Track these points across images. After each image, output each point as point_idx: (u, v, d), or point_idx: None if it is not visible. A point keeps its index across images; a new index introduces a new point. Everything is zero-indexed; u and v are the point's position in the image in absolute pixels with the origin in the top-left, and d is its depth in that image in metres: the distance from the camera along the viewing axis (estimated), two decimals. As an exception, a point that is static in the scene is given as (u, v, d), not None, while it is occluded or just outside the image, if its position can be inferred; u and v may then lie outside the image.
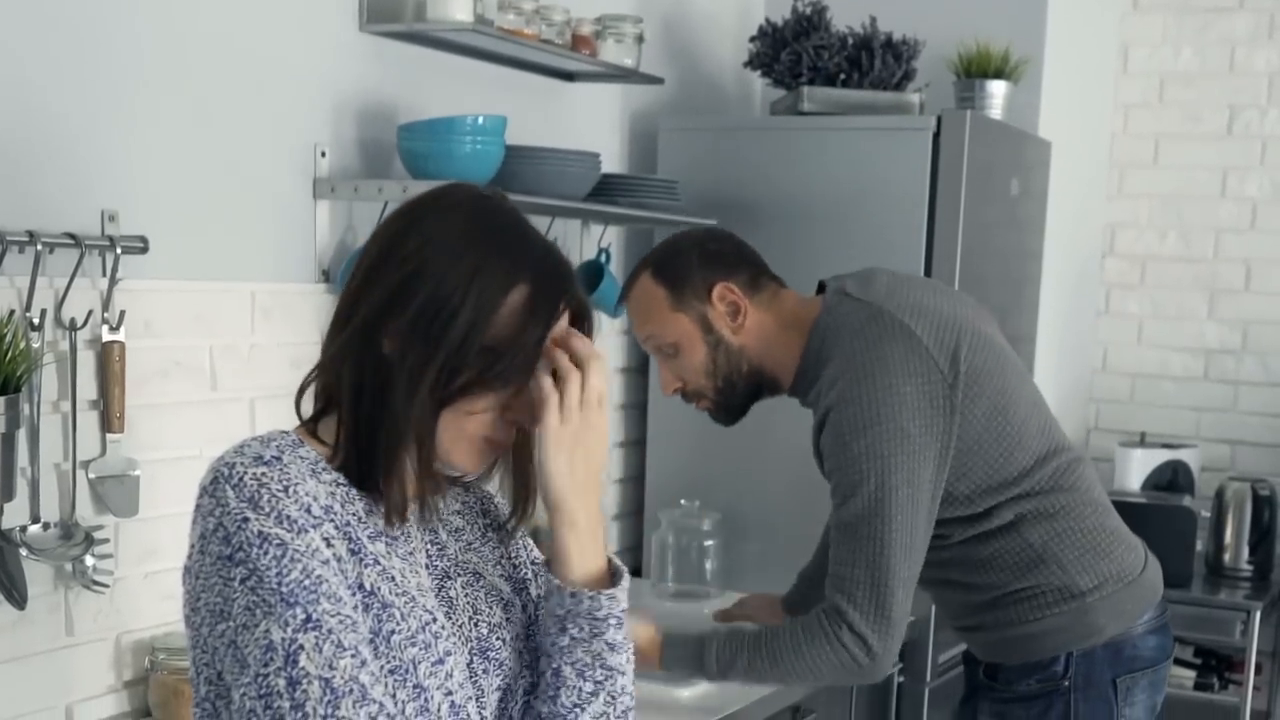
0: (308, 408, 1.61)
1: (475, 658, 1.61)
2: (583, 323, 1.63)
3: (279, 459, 1.50)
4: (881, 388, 2.41)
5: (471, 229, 1.56)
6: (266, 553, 1.44)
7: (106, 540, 2.34)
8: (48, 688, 2.32)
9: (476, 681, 1.60)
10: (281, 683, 1.41)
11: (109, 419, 2.34)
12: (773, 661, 2.49)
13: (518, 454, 1.66)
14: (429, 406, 1.52)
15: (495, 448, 1.60)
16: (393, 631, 1.51)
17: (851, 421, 2.42)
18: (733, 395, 2.62)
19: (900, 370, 2.42)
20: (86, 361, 2.32)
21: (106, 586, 2.33)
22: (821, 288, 2.64)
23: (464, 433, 1.56)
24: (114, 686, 2.43)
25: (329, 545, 1.49)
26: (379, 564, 1.54)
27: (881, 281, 2.58)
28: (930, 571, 2.54)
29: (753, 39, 3.68)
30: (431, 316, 1.51)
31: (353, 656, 1.44)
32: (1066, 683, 2.55)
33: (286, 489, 1.47)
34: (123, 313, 2.33)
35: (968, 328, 2.52)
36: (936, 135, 3.32)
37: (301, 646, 1.41)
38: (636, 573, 3.75)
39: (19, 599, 2.19)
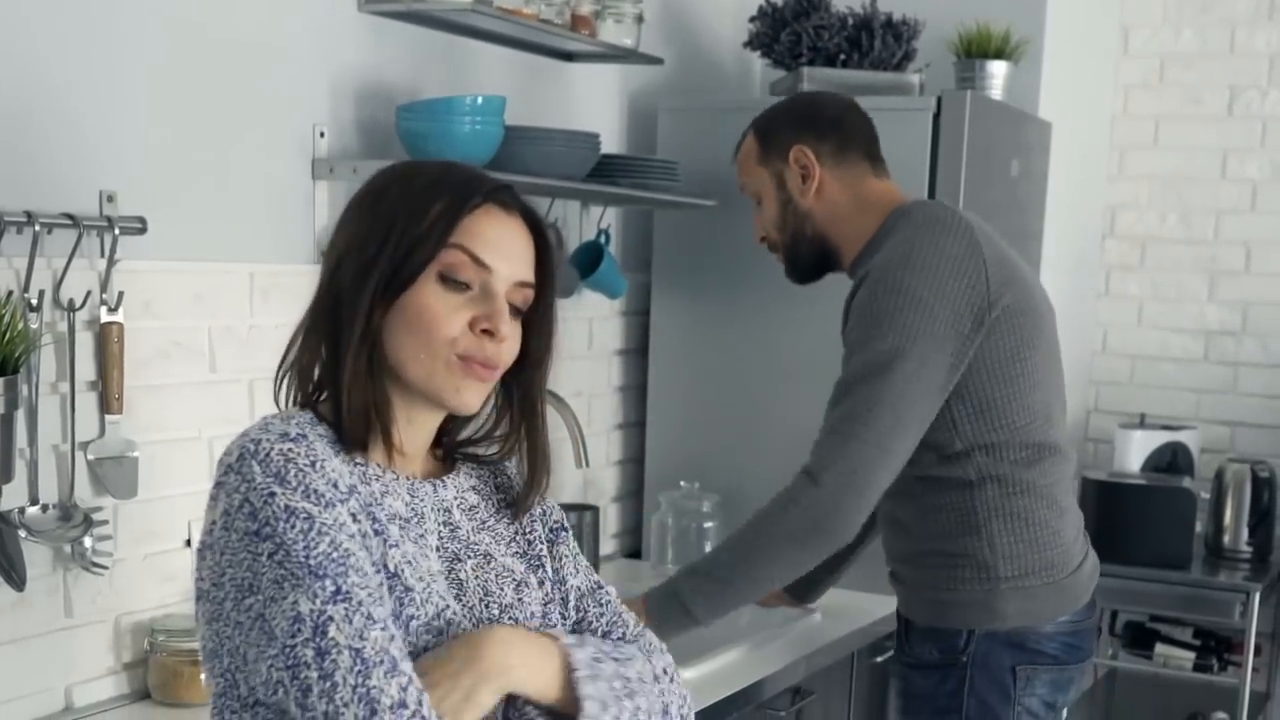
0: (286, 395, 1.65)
1: None
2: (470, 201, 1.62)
3: (304, 436, 1.51)
4: (928, 267, 2.50)
5: (395, 184, 1.61)
6: (294, 526, 1.44)
7: (105, 522, 2.33)
8: (47, 669, 2.32)
9: None
10: (309, 653, 1.41)
11: (108, 400, 2.33)
12: (735, 550, 2.56)
13: (530, 431, 1.68)
14: (377, 307, 1.55)
15: (475, 368, 1.59)
16: (411, 617, 1.52)
17: (888, 283, 2.50)
18: (798, 255, 2.76)
19: (952, 265, 2.51)
20: (85, 342, 2.31)
21: (105, 568, 2.33)
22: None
23: (436, 354, 1.57)
24: (113, 668, 2.43)
25: (355, 521, 1.49)
26: (399, 547, 1.54)
27: (977, 218, 2.66)
28: (886, 504, 2.62)
29: (752, 19, 3.67)
30: (366, 242, 1.56)
31: (382, 629, 1.44)
32: (964, 658, 2.59)
33: (314, 464, 1.48)
34: (121, 293, 2.33)
35: (1026, 286, 2.60)
36: (937, 116, 3.31)
37: (331, 618, 1.42)
38: (636, 554, 3.76)
39: (18, 581, 2.19)
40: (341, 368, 1.56)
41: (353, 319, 1.55)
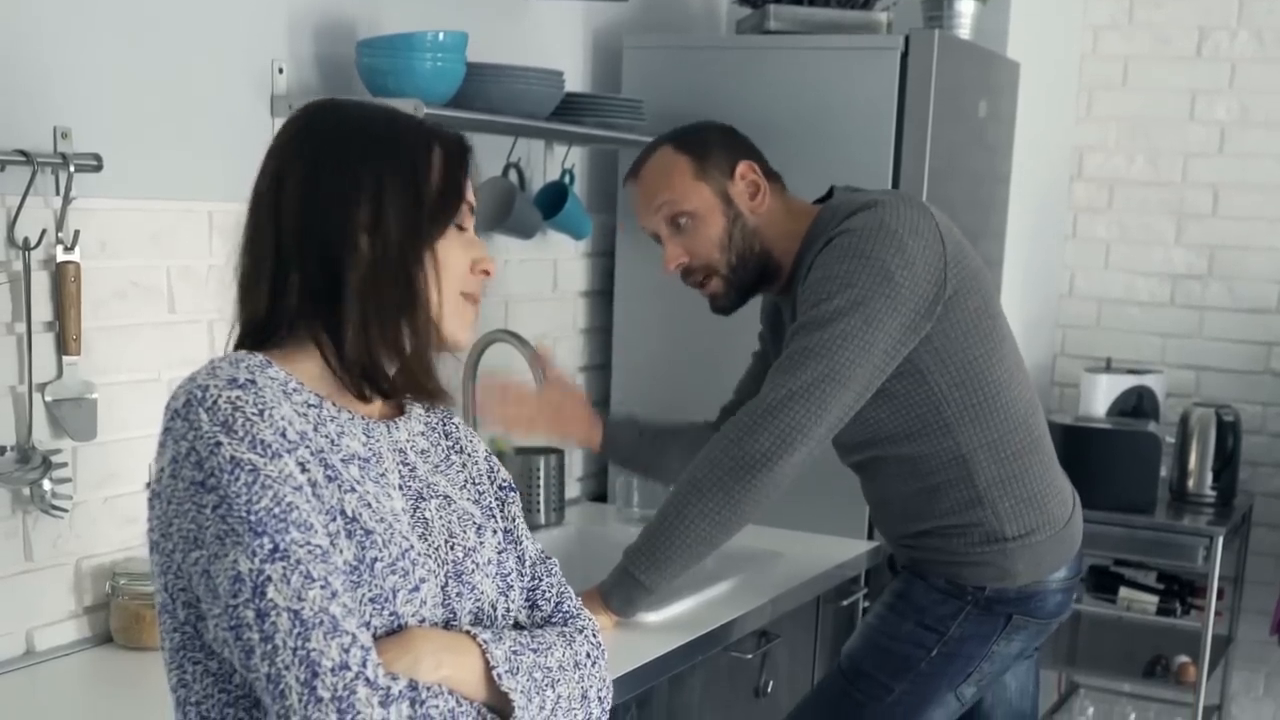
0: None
1: (450, 581, 1.61)
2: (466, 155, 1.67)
3: (253, 381, 1.48)
4: (886, 231, 2.49)
5: (363, 131, 1.60)
6: (238, 479, 1.42)
7: (65, 464, 2.30)
8: (7, 614, 2.29)
9: (449, 605, 1.60)
10: (250, 614, 1.39)
11: (65, 341, 2.30)
12: (665, 507, 2.53)
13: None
14: (424, 262, 1.57)
15: (473, 305, 1.65)
16: (375, 559, 1.50)
17: (844, 249, 2.49)
18: (743, 274, 2.69)
19: (911, 227, 2.50)
20: (41, 282, 2.27)
21: (65, 511, 2.30)
22: (829, 196, 2.73)
23: (452, 295, 1.61)
24: (75, 612, 2.40)
25: (304, 470, 1.47)
26: (355, 490, 1.52)
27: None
28: (881, 492, 2.71)
29: (719, -43, 3.63)
30: (391, 198, 1.56)
31: (322, 588, 1.41)
32: (969, 597, 2.63)
33: (262, 412, 1.46)
34: (77, 232, 2.28)
35: (968, 247, 2.61)
36: (904, 55, 3.28)
37: (269, 578, 1.39)
38: (601, 498, 3.75)
39: (-26, 523, 2.16)
40: (370, 317, 1.56)
41: (411, 272, 1.57)
